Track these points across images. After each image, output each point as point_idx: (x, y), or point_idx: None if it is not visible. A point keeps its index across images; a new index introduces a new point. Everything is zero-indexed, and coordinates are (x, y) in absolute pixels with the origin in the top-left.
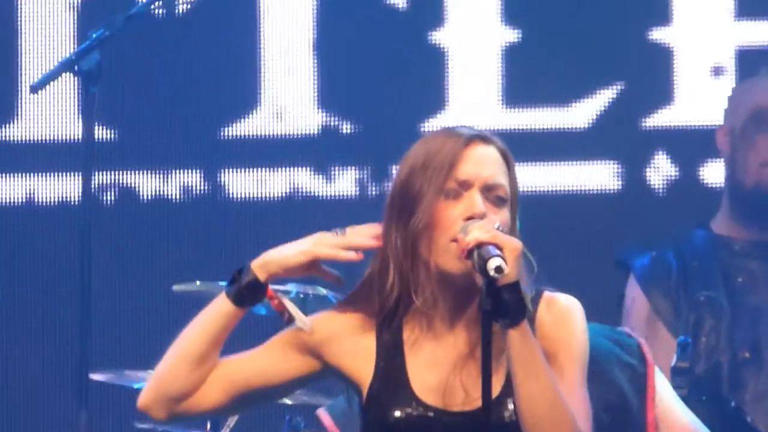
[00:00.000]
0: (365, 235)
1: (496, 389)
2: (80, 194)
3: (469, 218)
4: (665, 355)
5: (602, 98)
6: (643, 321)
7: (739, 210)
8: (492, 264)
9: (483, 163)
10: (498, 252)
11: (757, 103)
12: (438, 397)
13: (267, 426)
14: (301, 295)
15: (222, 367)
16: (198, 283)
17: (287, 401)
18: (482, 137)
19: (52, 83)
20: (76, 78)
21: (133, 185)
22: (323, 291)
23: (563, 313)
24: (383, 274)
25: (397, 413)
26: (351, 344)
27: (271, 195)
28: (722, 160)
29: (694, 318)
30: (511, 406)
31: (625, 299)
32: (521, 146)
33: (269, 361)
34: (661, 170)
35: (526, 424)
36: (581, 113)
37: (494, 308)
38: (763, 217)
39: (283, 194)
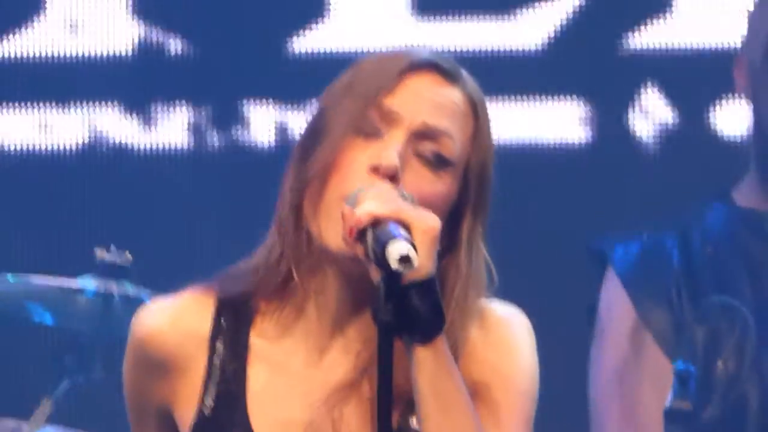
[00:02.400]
0: None
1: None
2: None
3: (374, 169)
4: (656, 388)
5: (564, 5)
6: (625, 337)
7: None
8: (394, 251)
9: (428, 101)
10: (404, 233)
11: None
12: None
13: None
14: (102, 294)
15: None
16: None
17: None
18: (443, 68)
19: None
20: None
21: None
22: (132, 290)
23: (502, 330)
24: (272, 241)
25: None
26: (176, 372)
27: (62, 144)
28: (744, 100)
29: (704, 334)
30: None
31: (600, 307)
32: None
33: None
34: (652, 114)
35: None
36: (532, 27)
37: (398, 318)
38: None
39: (80, 144)
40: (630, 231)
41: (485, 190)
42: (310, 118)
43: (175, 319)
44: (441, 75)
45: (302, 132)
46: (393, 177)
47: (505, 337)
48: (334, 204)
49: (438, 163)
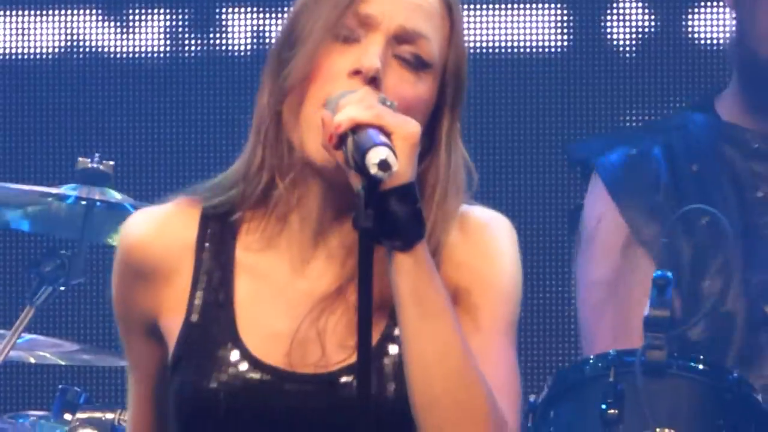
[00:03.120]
0: None
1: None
2: None
3: (355, 73)
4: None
5: None
6: (617, 249)
7: (749, 91)
8: (374, 157)
9: (404, 3)
10: (384, 139)
11: None
12: (280, 353)
13: (35, 398)
14: (83, 202)
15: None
16: None
17: (60, 361)
18: None
19: None
20: None
21: None
22: (116, 196)
23: (483, 234)
24: (252, 152)
25: (214, 381)
26: (162, 281)
27: (39, 49)
28: (727, 8)
29: (691, 250)
30: (392, 353)
31: (585, 216)
32: None
33: (147, 376)
34: (628, 17)
35: (418, 401)
36: None
37: (378, 224)
38: None
39: (56, 49)
40: (610, 138)
41: (461, 89)
42: (283, 25)
43: (161, 228)
44: None
45: (276, 39)
46: (374, 80)
47: (486, 240)
48: (315, 112)
49: (418, 65)
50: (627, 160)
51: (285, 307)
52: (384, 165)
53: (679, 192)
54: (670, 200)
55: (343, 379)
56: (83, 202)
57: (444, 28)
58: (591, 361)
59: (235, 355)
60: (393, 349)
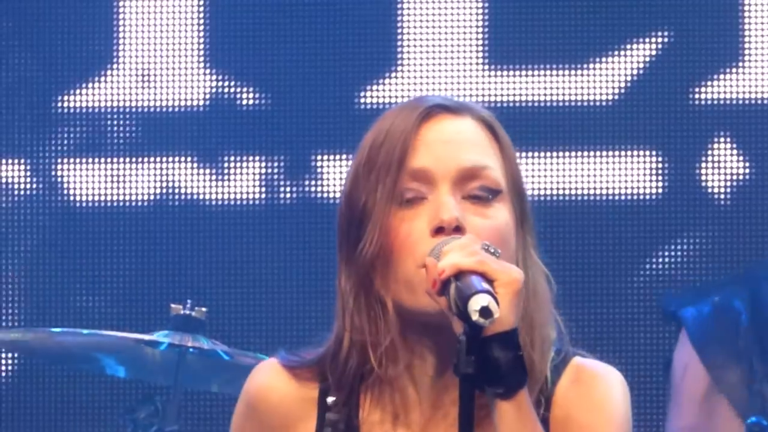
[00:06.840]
0: None
1: None
2: None
3: (438, 230)
4: None
5: (637, 56)
6: (698, 399)
7: None
8: (476, 304)
9: (450, 143)
10: (486, 286)
11: None
12: None
13: None
14: (176, 349)
15: None
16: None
17: None
18: (446, 106)
19: None
20: None
21: None
22: (209, 343)
23: (596, 388)
24: (338, 334)
25: None
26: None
27: (134, 196)
28: None
29: None
30: None
31: (674, 367)
32: (513, 128)
33: None
34: (723, 165)
35: None
36: (604, 79)
37: (479, 370)
38: None
39: (153, 196)
40: (701, 289)
41: (525, 201)
42: (341, 201)
43: (287, 380)
44: (449, 112)
45: (339, 217)
46: (458, 228)
47: (600, 394)
48: (410, 275)
49: (489, 195)
50: (709, 309)
51: None
52: (485, 312)
53: (762, 337)
54: (751, 345)
55: None
56: (176, 349)
57: (495, 149)
58: None
59: None
60: None
